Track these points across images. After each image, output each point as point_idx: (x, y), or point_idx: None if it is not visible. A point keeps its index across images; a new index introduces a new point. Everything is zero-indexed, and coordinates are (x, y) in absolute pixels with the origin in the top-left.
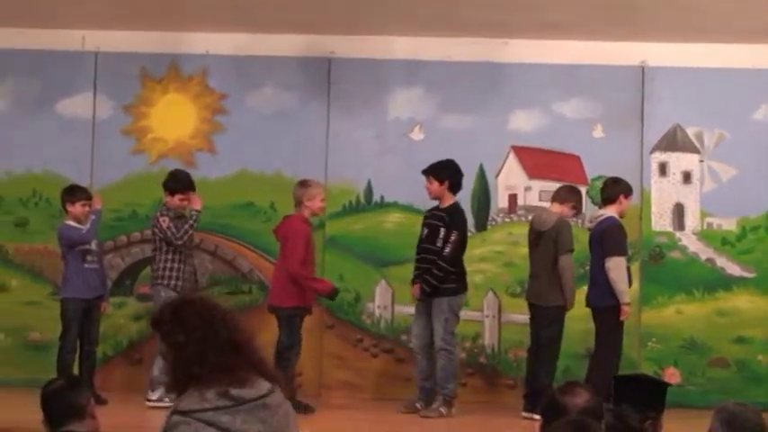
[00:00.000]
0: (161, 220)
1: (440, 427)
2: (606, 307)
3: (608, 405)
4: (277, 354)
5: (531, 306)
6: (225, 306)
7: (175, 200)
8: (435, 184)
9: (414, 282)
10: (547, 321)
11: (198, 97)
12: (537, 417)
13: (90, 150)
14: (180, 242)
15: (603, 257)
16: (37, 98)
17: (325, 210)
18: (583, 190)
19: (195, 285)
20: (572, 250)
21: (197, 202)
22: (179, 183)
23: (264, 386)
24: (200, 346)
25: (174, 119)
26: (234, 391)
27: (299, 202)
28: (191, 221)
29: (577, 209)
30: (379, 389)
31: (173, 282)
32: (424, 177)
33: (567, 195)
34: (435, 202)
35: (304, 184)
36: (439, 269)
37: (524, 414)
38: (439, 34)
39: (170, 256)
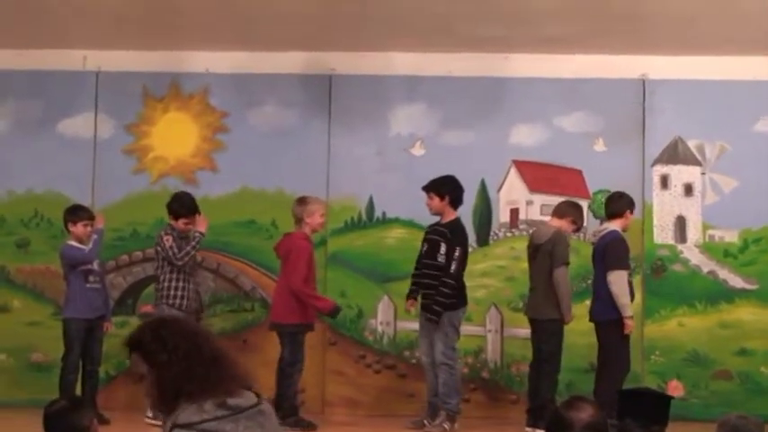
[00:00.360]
0: (165, 238)
1: None
2: (609, 321)
3: (612, 420)
4: (280, 371)
5: (530, 320)
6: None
7: (180, 224)
8: (436, 200)
9: (409, 297)
10: (545, 336)
11: (199, 116)
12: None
13: (91, 170)
14: (180, 263)
15: (606, 271)
16: (38, 118)
17: (326, 226)
18: (585, 204)
19: (200, 305)
20: (567, 263)
21: (202, 225)
22: (183, 207)
23: (252, 395)
24: (186, 363)
25: (175, 137)
26: (231, 401)
27: (299, 220)
28: (193, 243)
29: (577, 224)
30: (381, 405)
31: (177, 301)
32: (425, 193)
33: (566, 210)
34: (437, 218)
35: (303, 201)
36: (446, 287)
37: (528, 429)
38: (439, 50)
39: (173, 275)
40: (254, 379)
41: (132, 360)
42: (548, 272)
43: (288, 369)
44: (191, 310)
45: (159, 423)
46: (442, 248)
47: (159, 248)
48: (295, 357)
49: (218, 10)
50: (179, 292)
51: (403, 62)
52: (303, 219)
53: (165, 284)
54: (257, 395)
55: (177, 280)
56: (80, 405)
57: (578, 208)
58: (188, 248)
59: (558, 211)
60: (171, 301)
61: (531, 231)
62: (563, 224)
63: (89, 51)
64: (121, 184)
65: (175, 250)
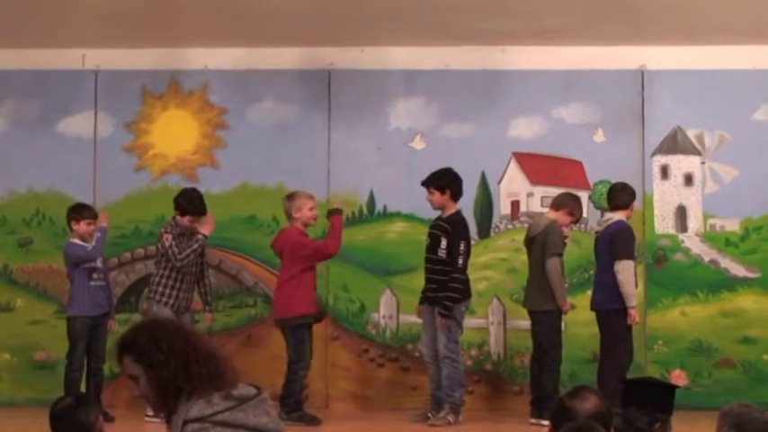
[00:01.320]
0: (165, 237)
1: None
2: (612, 310)
3: (616, 410)
4: (288, 367)
5: (528, 312)
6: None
7: (185, 220)
8: (437, 195)
9: (422, 301)
10: (541, 326)
11: (199, 112)
12: (545, 423)
13: (92, 168)
14: (179, 263)
15: (611, 260)
16: (38, 117)
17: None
18: (585, 195)
19: (208, 304)
20: (560, 254)
21: (207, 228)
22: (190, 205)
23: (250, 386)
24: (183, 362)
25: (175, 135)
26: (235, 392)
27: (288, 216)
28: (195, 246)
29: (575, 215)
30: (385, 398)
31: (170, 300)
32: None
33: (563, 201)
34: (437, 212)
35: (290, 196)
36: (456, 282)
37: (532, 421)
38: (437, 43)
39: (168, 273)
40: (244, 374)
41: (125, 364)
42: (542, 263)
43: (293, 365)
44: (181, 311)
45: (159, 420)
46: (443, 243)
47: (159, 246)
48: (300, 355)
49: (216, 6)
50: (170, 291)
51: (401, 56)
52: (292, 215)
53: (158, 280)
54: (255, 386)
55: (169, 278)
56: (86, 402)
57: (576, 199)
58: (189, 251)
59: (556, 203)
60: (165, 300)
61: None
62: (560, 216)
63: (88, 50)
64: (122, 182)
65: (175, 249)
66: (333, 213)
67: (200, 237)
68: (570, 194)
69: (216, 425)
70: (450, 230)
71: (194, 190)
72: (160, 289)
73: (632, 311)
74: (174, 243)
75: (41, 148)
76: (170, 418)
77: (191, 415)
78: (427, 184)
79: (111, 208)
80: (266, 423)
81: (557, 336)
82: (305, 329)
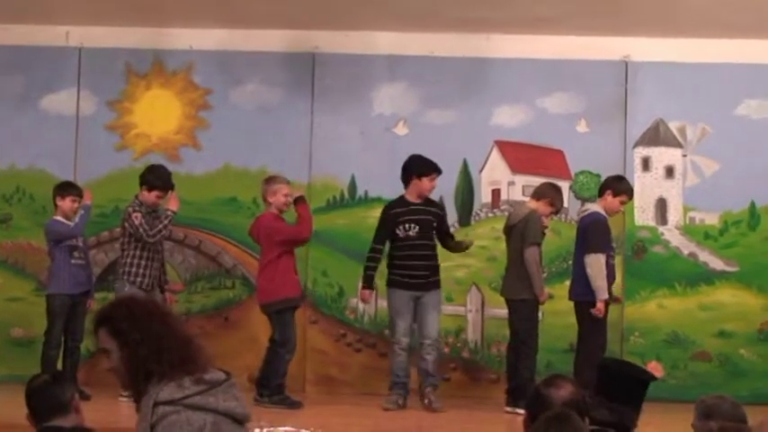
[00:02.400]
0: (134, 215)
1: (425, 421)
2: (588, 302)
3: (602, 400)
4: (270, 350)
5: (506, 300)
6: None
7: (152, 196)
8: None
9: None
10: (518, 315)
11: (182, 93)
12: (520, 411)
13: (74, 146)
14: (152, 240)
15: (584, 254)
16: (20, 94)
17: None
18: (566, 185)
19: (163, 281)
20: (538, 243)
21: (174, 203)
22: (159, 180)
23: (220, 372)
24: (157, 344)
25: (158, 114)
26: (206, 377)
27: (264, 199)
28: (165, 222)
29: (555, 205)
30: (362, 383)
31: (138, 279)
32: (435, 177)
33: (545, 191)
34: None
35: (267, 180)
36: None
37: (507, 409)
38: (422, 30)
39: (138, 252)
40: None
41: (99, 336)
42: (520, 252)
43: (279, 350)
44: (150, 289)
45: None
46: (439, 227)
47: (127, 225)
48: (285, 337)
49: None
50: (141, 270)
51: (386, 41)
52: (267, 198)
53: (128, 261)
54: (224, 371)
55: (140, 258)
56: (62, 380)
57: (558, 190)
58: (160, 226)
59: (537, 193)
60: (132, 279)
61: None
62: (540, 206)
63: (72, 27)
64: (104, 161)
65: (146, 227)
66: (297, 202)
67: (168, 213)
68: (552, 185)
69: (187, 408)
70: (443, 215)
71: (161, 166)
72: (133, 269)
73: (599, 304)
74: (143, 221)
75: (23, 125)
76: (138, 398)
77: (161, 397)
78: (439, 171)
79: (92, 186)
80: (235, 407)
81: (533, 325)
82: (289, 313)
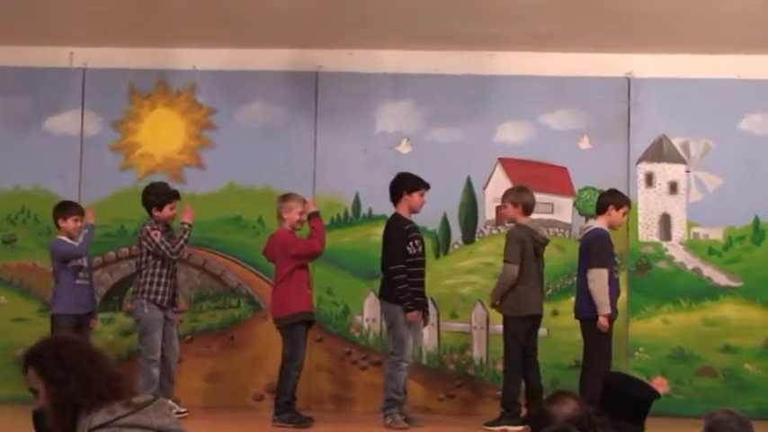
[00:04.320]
0: (152, 233)
1: None
2: (592, 318)
3: (610, 419)
4: (281, 368)
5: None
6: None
7: (166, 210)
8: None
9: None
10: (504, 332)
11: (186, 113)
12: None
13: (78, 166)
14: (175, 257)
15: (587, 269)
16: (25, 115)
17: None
18: (570, 201)
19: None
20: (509, 261)
21: (188, 215)
22: (162, 195)
23: (146, 395)
24: (84, 380)
25: (162, 134)
26: (134, 400)
27: (278, 216)
28: (185, 236)
29: (527, 206)
30: (367, 401)
31: (159, 297)
32: (425, 193)
33: (511, 197)
34: (419, 217)
35: (283, 197)
36: None
37: (487, 428)
38: (425, 47)
39: (157, 270)
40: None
41: (28, 376)
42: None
43: (286, 365)
44: (167, 307)
45: None
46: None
47: (146, 243)
48: (294, 354)
49: (205, 7)
50: (161, 288)
51: (389, 60)
52: (281, 215)
53: (148, 279)
54: (151, 394)
55: (160, 275)
56: None
57: (520, 189)
58: (181, 242)
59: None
60: (153, 297)
61: None
62: (516, 213)
63: (76, 48)
64: (108, 181)
65: (168, 244)
66: (311, 217)
67: (185, 226)
68: (516, 187)
69: (122, 427)
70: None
71: (155, 183)
72: (153, 288)
73: (602, 319)
74: (164, 239)
75: (28, 146)
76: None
77: (95, 422)
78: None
79: (96, 207)
80: (169, 424)
81: (513, 341)
82: (301, 328)
